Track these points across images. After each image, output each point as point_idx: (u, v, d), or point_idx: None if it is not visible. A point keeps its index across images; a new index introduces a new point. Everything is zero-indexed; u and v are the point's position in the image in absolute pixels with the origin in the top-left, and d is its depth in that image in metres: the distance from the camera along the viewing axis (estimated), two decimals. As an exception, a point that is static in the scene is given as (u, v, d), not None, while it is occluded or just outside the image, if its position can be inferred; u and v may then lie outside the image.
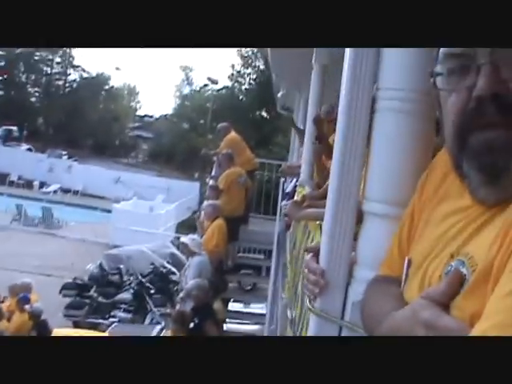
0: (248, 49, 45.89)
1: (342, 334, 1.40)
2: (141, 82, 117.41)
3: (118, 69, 62.67)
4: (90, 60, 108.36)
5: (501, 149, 1.01)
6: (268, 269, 15.02)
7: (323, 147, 5.89)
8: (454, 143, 1.08)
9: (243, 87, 47.16)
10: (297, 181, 7.76)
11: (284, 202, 8.22)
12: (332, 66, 5.92)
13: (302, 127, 11.11)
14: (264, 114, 45.63)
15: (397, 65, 1.40)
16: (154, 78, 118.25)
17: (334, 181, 1.44)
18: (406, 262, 1.20)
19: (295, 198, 6.50)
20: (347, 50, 1.46)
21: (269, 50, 8.48)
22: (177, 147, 51.33)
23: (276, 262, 9.31)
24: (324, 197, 3.95)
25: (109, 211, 27.65)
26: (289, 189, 8.19)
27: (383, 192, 1.40)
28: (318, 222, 3.27)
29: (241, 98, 46.80)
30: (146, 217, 25.91)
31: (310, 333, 1.48)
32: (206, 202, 10.26)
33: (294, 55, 7.45)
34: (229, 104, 44.51)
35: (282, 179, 13.54)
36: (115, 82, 61.55)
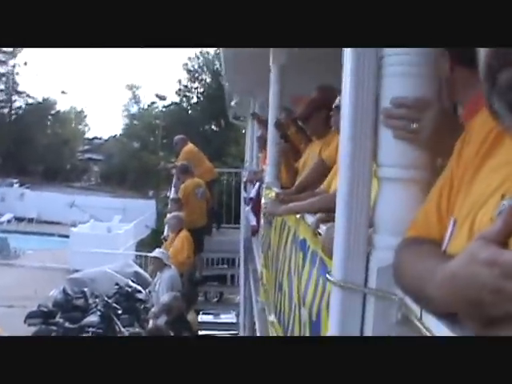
0: (194, 63, 45.95)
1: (367, 303, 1.39)
2: (88, 104, 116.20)
3: (63, 92, 61.73)
4: (35, 85, 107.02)
5: None
6: (232, 277, 15.04)
7: (289, 146, 5.92)
8: (485, 82, 1.08)
9: (191, 101, 47.14)
10: (260, 186, 7.78)
11: (248, 210, 8.25)
12: (289, 66, 5.98)
13: (258, 131, 11.19)
14: (214, 126, 45.66)
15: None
16: (101, 99, 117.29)
17: (347, 147, 1.43)
18: (452, 221, 1.19)
19: (262, 200, 6.51)
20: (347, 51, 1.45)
21: (222, 56, 8.49)
22: (128, 167, 51.01)
23: (245, 269, 9.31)
24: (297, 192, 3.97)
25: (66, 236, 27.22)
26: (252, 194, 8.20)
27: (396, 156, 1.40)
28: (298, 216, 3.27)
29: (190, 112, 46.75)
30: (104, 238, 25.58)
31: (334, 306, 1.47)
32: (168, 215, 10.20)
33: (247, 60, 7.46)
34: (178, 119, 44.41)
35: (242, 186, 13.62)
36: (62, 106, 61.15)
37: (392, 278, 1.34)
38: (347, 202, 1.41)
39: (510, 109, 1.04)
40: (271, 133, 6.05)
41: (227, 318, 13.48)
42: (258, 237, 7.88)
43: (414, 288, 1.18)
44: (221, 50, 7.92)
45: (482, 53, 1.07)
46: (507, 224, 0.91)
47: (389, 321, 1.36)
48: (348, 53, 1.43)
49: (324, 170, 4.15)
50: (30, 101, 55.85)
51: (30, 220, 38.01)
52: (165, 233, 10.53)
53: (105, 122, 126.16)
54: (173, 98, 47.57)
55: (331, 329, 1.47)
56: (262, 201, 6.48)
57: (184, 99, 47.28)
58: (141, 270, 16.75)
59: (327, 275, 1.50)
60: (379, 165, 1.43)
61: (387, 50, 1.41)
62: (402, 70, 1.39)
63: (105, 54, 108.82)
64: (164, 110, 44.81)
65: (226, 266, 14.23)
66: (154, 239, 28.02)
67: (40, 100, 56.33)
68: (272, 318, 4.30)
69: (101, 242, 23.88)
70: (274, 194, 5.02)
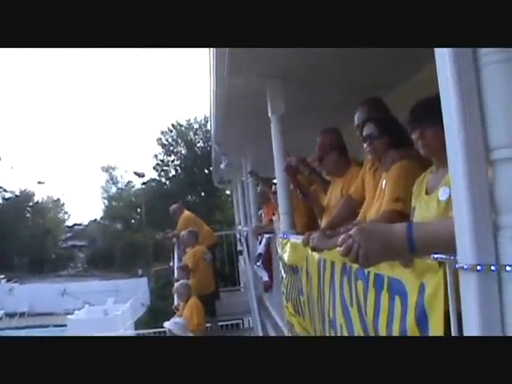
0: (168, 136, 46.34)
1: (504, 284, 1.42)
2: (65, 190, 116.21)
3: (40, 182, 61.74)
4: (11, 179, 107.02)
5: None
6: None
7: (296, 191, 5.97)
8: None
9: (169, 175, 47.35)
10: (268, 239, 7.80)
11: (259, 265, 8.23)
12: (288, 117, 6.09)
13: (251, 191, 11.29)
14: (194, 197, 45.77)
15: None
16: (79, 184, 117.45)
17: (458, 138, 1.48)
18: None
19: (278, 251, 6.52)
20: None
21: (212, 117, 8.62)
22: (114, 248, 50.83)
23: (262, 326, 9.22)
24: (332, 227, 3.99)
25: (62, 325, 26.86)
26: (260, 249, 8.20)
27: (510, 136, 1.45)
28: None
29: (169, 185, 46.90)
30: (102, 321, 25.26)
31: (468, 294, 1.49)
32: (176, 284, 10.12)
33: (238, 118, 7.58)
34: (158, 194, 44.49)
35: (240, 247, 13.63)
36: (39, 196, 60.81)
37: None
38: (467, 187, 1.46)
39: None
40: (281, 181, 6.10)
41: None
42: (273, 291, 7.85)
43: None
44: (211, 111, 8.03)
45: None
46: None
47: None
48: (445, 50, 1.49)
49: (353, 205, 4.22)
50: (8, 195, 55.86)
51: (22, 314, 37.45)
52: (175, 302, 10.44)
53: (84, 206, 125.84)
54: (151, 173, 47.86)
55: (468, 319, 1.50)
56: (278, 252, 6.49)
57: (162, 173, 47.51)
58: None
59: (457, 265, 1.52)
60: (493, 148, 1.48)
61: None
62: (500, 57, 1.46)
63: (78, 138, 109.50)
64: (143, 186, 44.92)
65: (230, 328, 14.14)
66: (151, 316, 27.81)
67: (17, 193, 56.34)
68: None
69: (99, 325, 23.53)
70: (297, 242, 5.06)
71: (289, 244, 5.81)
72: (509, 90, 1.46)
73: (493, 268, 1.43)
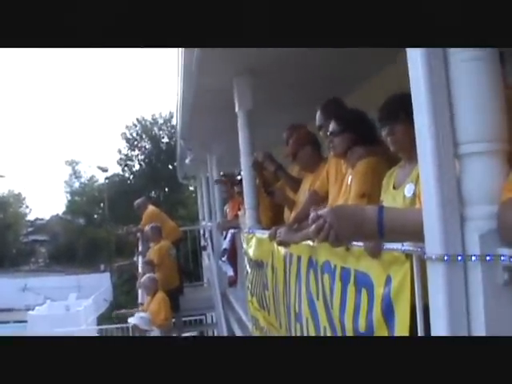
0: (132, 131, 46.02)
1: (470, 272, 1.47)
2: (27, 184, 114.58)
3: (0, 176, 60.92)
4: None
5: None
6: (202, 334, 14.89)
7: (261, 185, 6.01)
8: None
9: (133, 169, 47.03)
10: (232, 235, 7.82)
11: (224, 260, 8.25)
12: (254, 112, 6.11)
13: (216, 187, 11.31)
14: (158, 192, 45.53)
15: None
16: (41, 178, 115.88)
17: (428, 131, 1.53)
18: None
19: (244, 246, 6.55)
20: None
21: (178, 112, 8.61)
22: (76, 243, 50.33)
23: (226, 321, 9.25)
24: (298, 222, 4.03)
25: (23, 321, 26.54)
26: (225, 245, 8.21)
27: (478, 132, 1.51)
28: (309, 242, 3.34)
29: (133, 180, 46.57)
30: (64, 317, 24.96)
31: (435, 283, 1.54)
32: (143, 277, 10.09)
33: (204, 112, 7.59)
34: (122, 189, 44.11)
35: (203, 243, 13.65)
36: (0, 190, 59.96)
37: (493, 243, 1.46)
38: (435, 179, 1.51)
39: None
40: (247, 177, 6.13)
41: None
42: (238, 286, 7.88)
43: None
44: (178, 105, 8.03)
45: None
46: None
47: (497, 283, 1.45)
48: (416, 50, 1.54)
49: (318, 200, 4.26)
50: (-32, 189, 55.02)
51: (-18, 309, 36.94)
52: (139, 297, 10.42)
53: (46, 201, 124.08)
54: (114, 168, 47.44)
55: (435, 306, 1.55)
56: (244, 246, 6.52)
57: (126, 168, 47.15)
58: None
59: (425, 255, 1.57)
60: (460, 142, 1.53)
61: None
62: (469, 55, 1.52)
63: (40, 131, 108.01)
64: (107, 181, 44.51)
65: (193, 323, 14.16)
66: (114, 312, 27.61)
67: (-23, 187, 55.58)
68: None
69: (61, 321, 23.32)
70: (263, 237, 5.10)
71: (254, 239, 5.85)
72: (477, 87, 1.52)
73: (459, 258, 1.48)
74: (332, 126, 3.69)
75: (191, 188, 34.35)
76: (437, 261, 1.51)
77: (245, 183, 6.25)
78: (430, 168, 1.52)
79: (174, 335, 10.03)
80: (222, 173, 10.90)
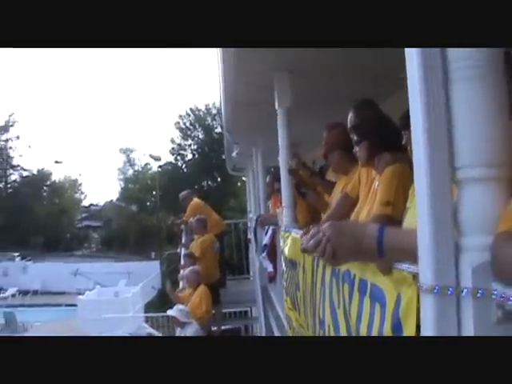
0: (185, 120, 46.37)
1: (463, 306, 1.40)
2: (82, 171, 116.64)
3: (57, 162, 61.89)
4: (29, 158, 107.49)
5: None
6: (246, 328, 14.92)
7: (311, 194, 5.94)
8: None
9: (186, 159, 47.41)
10: (273, 231, 7.79)
11: (264, 255, 8.23)
12: (293, 109, 6.06)
13: (261, 180, 11.27)
14: (210, 182, 45.84)
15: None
16: (95, 165, 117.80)
17: (423, 154, 1.46)
18: None
19: (280, 244, 6.51)
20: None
21: (222, 106, 8.60)
22: (128, 230, 51.03)
23: (265, 318, 9.23)
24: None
25: (73, 305, 27.07)
26: (266, 240, 8.18)
27: (476, 156, 1.43)
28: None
29: (185, 170, 46.97)
30: (113, 303, 25.40)
31: (427, 314, 1.47)
32: (182, 271, 10.16)
33: (248, 107, 7.57)
34: (174, 178, 44.59)
35: (250, 236, 13.65)
36: (56, 175, 61.18)
37: (487, 277, 1.36)
38: (430, 206, 1.43)
39: None
40: (284, 175, 6.08)
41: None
42: (277, 282, 7.84)
43: None
44: (222, 99, 8.03)
45: None
46: None
47: (489, 320, 1.37)
48: (414, 63, 1.47)
49: (349, 203, 4.19)
50: (25, 173, 56.28)
51: (35, 292, 37.81)
52: (180, 287, 10.50)
53: (101, 187, 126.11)
54: (167, 157, 47.92)
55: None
56: (280, 244, 6.48)
57: (178, 157, 47.57)
58: (154, 331, 16.70)
59: (418, 284, 1.50)
60: (459, 167, 1.45)
61: (452, 55, 1.45)
62: (469, 74, 1.43)
63: (96, 120, 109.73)
64: (159, 170, 44.98)
65: (238, 317, 14.18)
66: (161, 300, 27.93)
67: (35, 172, 56.73)
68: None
69: (109, 307, 23.72)
70: (296, 236, 5.04)
71: (290, 238, 5.80)
72: (478, 107, 1.43)
73: (450, 290, 1.41)
74: (352, 136, 3.63)
75: (244, 178, 34.48)
76: (427, 291, 1.44)
77: (282, 181, 6.20)
78: (424, 192, 1.45)
79: (214, 328, 10.10)
80: (272, 168, 10.85)
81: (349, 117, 3.97)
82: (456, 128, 1.44)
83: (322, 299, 3.75)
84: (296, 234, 5.31)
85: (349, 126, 3.89)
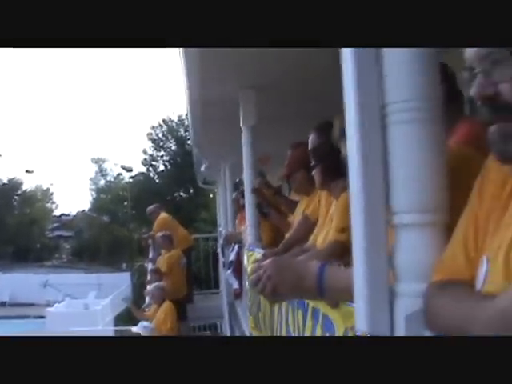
0: (158, 131, 46.20)
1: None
2: (54, 180, 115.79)
3: (28, 171, 61.30)
4: None
5: (501, 139, 1.13)
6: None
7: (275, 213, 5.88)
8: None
9: (158, 170, 47.20)
10: (239, 248, 7.74)
11: (229, 273, 8.17)
12: (259, 126, 6.03)
13: (229, 195, 11.21)
14: (182, 193, 45.68)
15: (400, 76, 1.42)
16: (67, 175, 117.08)
17: (358, 198, 1.42)
18: (485, 260, 1.19)
19: (244, 262, 6.47)
20: (347, 66, 1.46)
21: (190, 121, 8.54)
22: (100, 241, 50.67)
23: (231, 332, 9.18)
24: (285, 251, 3.95)
25: (42, 317, 26.66)
26: (232, 257, 8.14)
27: (411, 201, 1.39)
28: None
29: (157, 181, 46.75)
30: (82, 315, 25.04)
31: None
32: (149, 286, 10.08)
33: (215, 123, 7.53)
34: (146, 189, 44.27)
35: (220, 250, 13.58)
36: (27, 185, 60.60)
37: (419, 325, 1.32)
38: (364, 251, 1.40)
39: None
40: (248, 194, 6.05)
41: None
42: (243, 300, 7.79)
43: (454, 331, 1.15)
44: (188, 115, 7.97)
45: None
46: None
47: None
48: (351, 104, 1.43)
49: (309, 225, 4.16)
50: (-4, 182, 55.65)
51: (3, 303, 37.27)
52: (146, 302, 10.42)
53: (72, 197, 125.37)
54: (139, 168, 47.66)
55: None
56: (244, 263, 6.44)
57: (150, 168, 47.33)
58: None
59: (351, 331, 1.47)
60: (394, 212, 1.42)
61: (389, 98, 1.42)
62: (405, 117, 1.40)
63: (68, 129, 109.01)
64: (131, 180, 44.73)
65: (208, 332, 14.07)
66: (131, 313, 27.62)
67: (5, 181, 56.10)
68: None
69: (79, 319, 23.38)
70: (258, 256, 5.00)
71: (253, 257, 5.76)
72: (414, 152, 1.40)
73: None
74: (311, 158, 3.61)
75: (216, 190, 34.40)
76: (362, 339, 1.40)
77: (246, 200, 6.17)
78: (359, 237, 1.41)
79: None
80: (239, 183, 10.80)
81: (309, 139, 3.93)
82: (391, 173, 1.41)
83: (279, 322, 3.71)
84: (258, 253, 5.28)
85: (309, 148, 3.85)
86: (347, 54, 1.45)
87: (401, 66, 1.42)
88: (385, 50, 1.43)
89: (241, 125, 6.07)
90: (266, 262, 1.89)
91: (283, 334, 3.53)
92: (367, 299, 1.40)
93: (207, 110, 6.77)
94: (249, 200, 6.09)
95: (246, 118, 6.02)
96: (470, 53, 1.17)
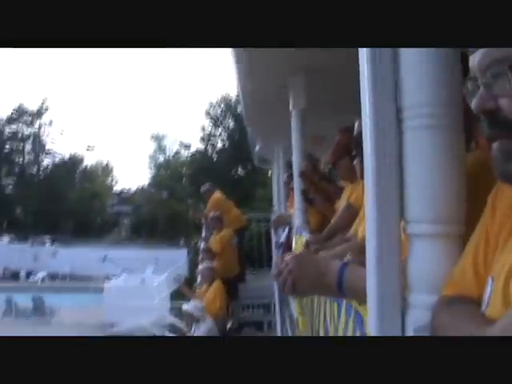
0: (216, 109, 46.33)
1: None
2: (114, 157, 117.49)
3: (89, 148, 62.36)
4: (61, 143, 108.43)
5: (503, 157, 1.10)
6: (269, 323, 14.87)
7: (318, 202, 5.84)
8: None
9: (216, 147, 47.40)
10: (289, 230, 7.73)
11: (279, 254, 8.18)
12: (309, 110, 5.98)
13: (282, 175, 11.18)
14: (240, 171, 45.81)
15: (418, 80, 1.38)
16: (127, 151, 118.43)
17: (372, 205, 1.40)
18: (490, 280, 1.17)
19: (293, 246, 6.47)
20: (364, 68, 1.43)
21: (242, 102, 8.53)
22: (158, 217, 51.22)
23: (281, 316, 9.21)
24: (327, 238, 3.93)
25: (101, 291, 27.19)
26: (282, 239, 8.14)
27: (425, 211, 1.36)
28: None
29: (215, 158, 46.99)
30: (139, 290, 25.50)
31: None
32: (200, 265, 10.18)
33: (267, 104, 7.50)
34: (204, 166, 44.63)
35: (272, 230, 13.60)
36: (88, 161, 61.56)
37: None
38: (377, 260, 1.38)
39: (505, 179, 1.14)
40: (296, 178, 6.03)
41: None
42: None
43: None
44: (240, 96, 7.95)
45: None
46: None
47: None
48: (366, 107, 1.41)
49: (352, 213, 4.12)
50: (58, 159, 56.81)
51: (64, 277, 38.21)
52: (198, 281, 10.52)
53: (132, 173, 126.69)
54: (197, 145, 47.94)
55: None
56: (293, 246, 6.44)
57: (209, 146, 47.58)
58: (177, 321, 16.71)
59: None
60: (408, 221, 1.39)
61: (405, 103, 1.39)
62: (423, 123, 1.37)
63: (127, 105, 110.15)
64: (189, 157, 45.08)
65: (261, 310, 14.11)
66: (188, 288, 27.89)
67: (67, 157, 57.23)
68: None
69: (135, 294, 23.85)
70: (304, 241, 4.99)
71: (300, 240, 5.75)
72: (430, 160, 1.37)
73: (394, 350, 1.35)
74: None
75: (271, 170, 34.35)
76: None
77: (295, 183, 6.15)
78: (373, 245, 1.39)
79: (230, 324, 10.11)
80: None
81: (355, 125, 3.87)
82: (406, 181, 1.38)
83: (318, 312, 3.71)
84: (305, 236, 5.27)
85: (353, 135, 3.79)
86: (363, 54, 1.43)
87: (419, 66, 1.38)
88: (402, 50, 1.40)
89: (290, 108, 6.04)
90: (289, 257, 1.89)
91: (321, 324, 3.53)
92: (378, 308, 1.38)
93: (258, 93, 6.77)
94: (297, 184, 6.06)
95: (295, 101, 5.99)
96: (473, 62, 1.13)
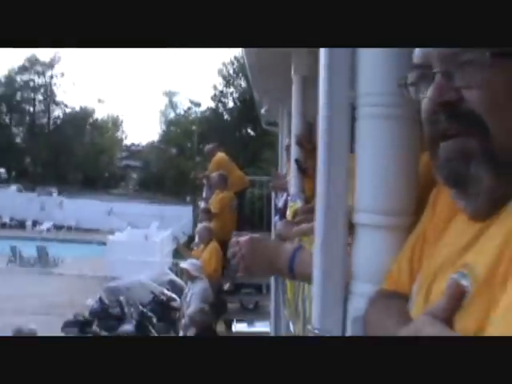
0: (229, 68, 46.07)
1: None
2: (125, 111, 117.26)
3: (100, 101, 62.33)
4: (72, 95, 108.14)
5: (458, 157, 0.98)
6: (268, 286, 14.97)
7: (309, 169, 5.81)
8: (430, 156, 1.07)
9: (227, 107, 47.25)
10: (288, 195, 7.72)
11: (276, 219, 8.18)
12: (311, 77, 5.91)
13: (286, 140, 11.13)
14: (250, 131, 45.70)
15: (375, 68, 1.34)
16: (138, 106, 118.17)
17: (321, 193, 1.38)
18: (419, 278, 1.16)
19: (287, 213, 6.45)
20: (321, 54, 1.39)
21: (247, 65, 8.45)
22: (166, 173, 51.30)
23: (275, 279, 9.24)
24: (306, 212, 3.90)
25: (104, 244, 27.41)
26: (280, 204, 8.14)
27: (373, 202, 1.34)
28: (311, 236, 3.20)
29: (225, 117, 46.87)
30: (141, 245, 25.68)
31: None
32: (199, 225, 10.19)
33: (271, 68, 7.44)
34: (214, 125, 44.57)
35: (273, 194, 13.59)
36: (99, 114, 61.59)
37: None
38: (322, 247, 1.37)
39: (447, 183, 1.04)
40: (294, 145, 5.99)
41: (261, 326, 13.40)
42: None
43: None
44: (245, 59, 7.88)
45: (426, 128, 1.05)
46: (451, 300, 0.85)
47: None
48: (321, 96, 1.38)
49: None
50: (68, 110, 56.80)
51: (69, 228, 38.55)
52: (196, 241, 10.55)
53: (142, 128, 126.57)
54: (208, 103, 47.73)
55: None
56: (287, 213, 6.42)
57: (220, 105, 47.42)
58: (177, 279, 16.85)
59: (308, 326, 1.45)
60: (356, 209, 1.38)
61: (361, 90, 1.36)
62: (377, 112, 1.34)
63: (140, 60, 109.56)
64: (200, 115, 44.95)
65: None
66: (190, 246, 27.96)
67: (78, 109, 57.17)
68: (293, 331, 4.22)
69: (138, 249, 24.01)
70: (296, 209, 4.97)
71: (293, 208, 5.73)
72: (382, 150, 1.34)
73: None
74: None
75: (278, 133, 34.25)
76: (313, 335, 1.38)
77: (292, 151, 6.12)
78: (319, 229, 1.38)
79: (226, 286, 10.17)
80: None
81: None
82: (357, 170, 1.36)
83: (298, 288, 3.71)
84: (298, 205, 5.25)
85: None
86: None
87: (376, 54, 1.34)
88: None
89: (292, 74, 5.98)
90: (243, 239, 1.90)
91: (306, 291, 3.54)
92: (321, 296, 1.37)
93: (263, 59, 6.70)
94: (294, 151, 6.03)
95: (296, 67, 5.92)
96: (427, 51, 1.03)
